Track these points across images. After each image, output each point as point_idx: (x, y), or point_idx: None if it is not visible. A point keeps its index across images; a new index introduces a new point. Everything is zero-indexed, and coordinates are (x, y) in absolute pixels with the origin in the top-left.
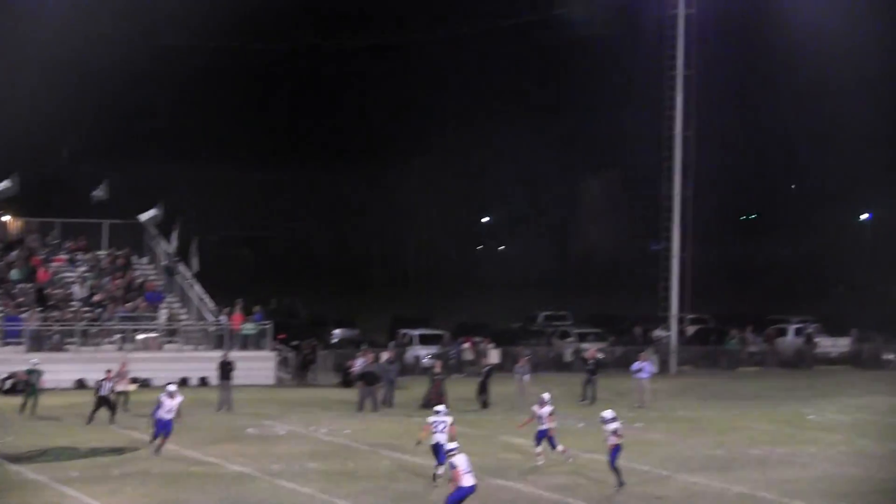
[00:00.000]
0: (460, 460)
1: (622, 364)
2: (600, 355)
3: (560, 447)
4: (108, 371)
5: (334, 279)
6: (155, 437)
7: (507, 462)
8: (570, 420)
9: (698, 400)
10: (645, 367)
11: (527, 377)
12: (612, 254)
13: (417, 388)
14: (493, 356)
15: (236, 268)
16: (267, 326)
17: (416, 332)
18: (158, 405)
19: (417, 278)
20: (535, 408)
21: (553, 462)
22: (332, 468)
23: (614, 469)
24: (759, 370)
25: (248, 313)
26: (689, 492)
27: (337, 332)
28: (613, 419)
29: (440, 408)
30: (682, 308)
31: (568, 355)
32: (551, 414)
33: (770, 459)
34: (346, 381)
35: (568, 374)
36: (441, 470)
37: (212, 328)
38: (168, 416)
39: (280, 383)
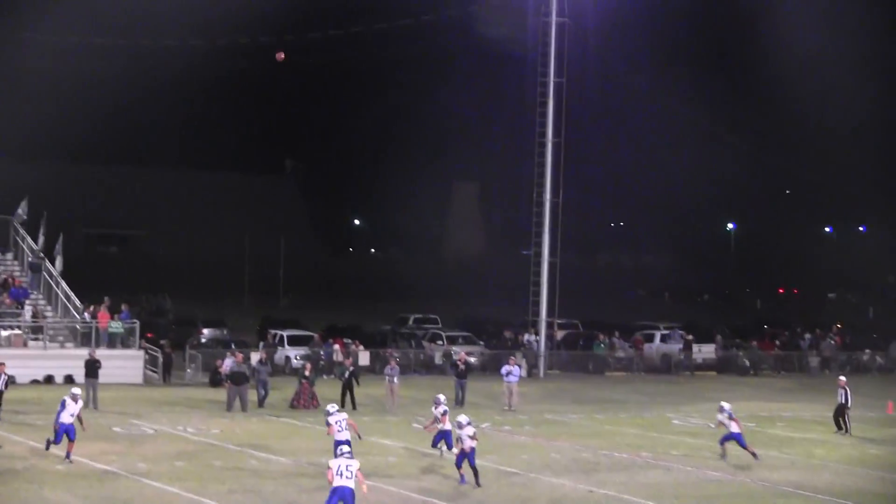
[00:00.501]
0: (334, 463)
1: (491, 368)
2: (471, 359)
3: (455, 449)
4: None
5: (204, 279)
6: (55, 441)
7: (381, 463)
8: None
9: (566, 404)
10: (514, 370)
11: (396, 379)
12: (483, 259)
13: (287, 389)
14: (363, 358)
15: (103, 265)
16: (134, 325)
17: (286, 333)
18: (61, 408)
19: (289, 281)
20: (433, 409)
21: (438, 464)
22: (199, 468)
23: (473, 468)
24: (627, 375)
25: (115, 311)
26: (556, 494)
27: (206, 331)
28: (469, 423)
29: (332, 406)
30: (551, 313)
31: (438, 358)
32: (444, 414)
33: (635, 463)
34: (215, 381)
35: (438, 376)
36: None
37: (78, 326)
38: (70, 421)
39: (148, 382)
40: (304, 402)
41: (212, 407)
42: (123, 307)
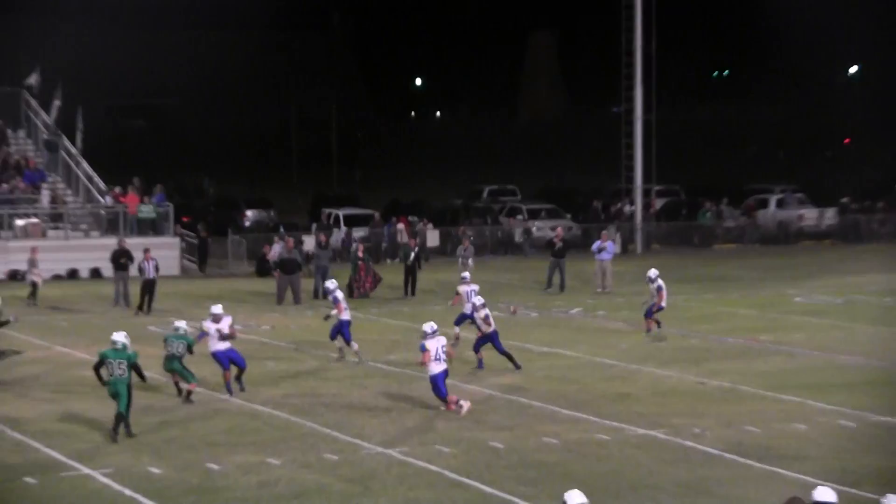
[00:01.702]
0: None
1: (580, 244)
2: (574, 230)
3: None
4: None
5: (246, 155)
6: (226, 369)
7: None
8: (522, 310)
9: (669, 283)
10: (607, 247)
11: (470, 261)
12: (567, 120)
13: (346, 277)
14: (431, 238)
15: (130, 142)
16: (168, 208)
17: (342, 212)
18: (201, 334)
19: (343, 153)
20: (460, 287)
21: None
22: (249, 369)
23: (504, 353)
24: (737, 247)
25: (145, 194)
26: (661, 387)
27: (250, 214)
28: (483, 305)
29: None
30: (647, 179)
31: (518, 235)
32: (480, 300)
33: (751, 349)
34: (263, 270)
35: (518, 257)
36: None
37: (103, 211)
38: (223, 347)
39: (186, 273)
40: (363, 287)
41: (260, 300)
42: (155, 189)
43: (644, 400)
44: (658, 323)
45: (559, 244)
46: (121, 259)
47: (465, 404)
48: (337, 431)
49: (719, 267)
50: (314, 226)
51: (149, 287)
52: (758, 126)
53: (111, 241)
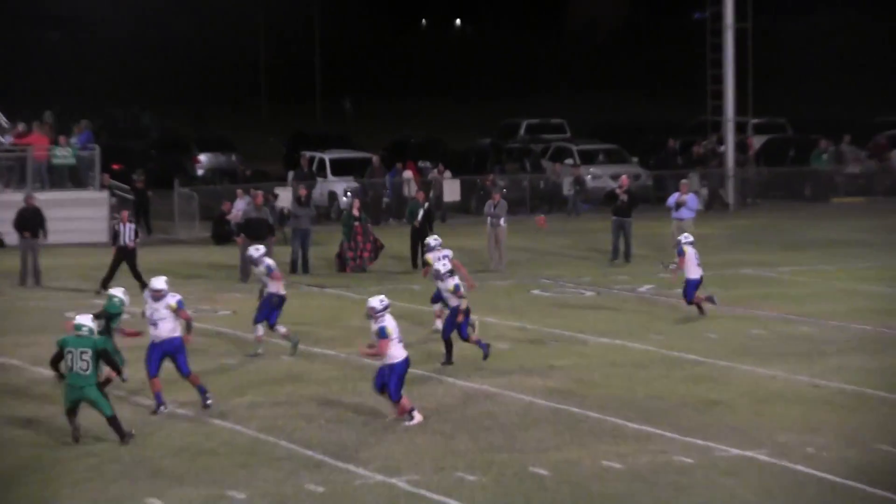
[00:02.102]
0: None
1: (652, 198)
2: (642, 178)
3: (474, 337)
4: None
5: (198, 79)
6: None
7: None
8: (573, 288)
9: (771, 250)
10: (687, 200)
11: (503, 221)
12: (629, 30)
13: (334, 244)
14: (449, 190)
15: (41, 61)
16: (93, 152)
17: (329, 156)
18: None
19: (330, 75)
20: (430, 254)
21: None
22: (202, 369)
23: (464, 337)
24: (865, 201)
25: (62, 132)
26: (761, 391)
27: (203, 158)
28: (450, 273)
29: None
30: (741, 109)
31: (567, 186)
32: (445, 264)
33: (883, 338)
34: (221, 235)
35: (565, 217)
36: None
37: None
38: (171, 334)
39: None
40: (360, 257)
41: (217, 275)
42: (78, 125)
43: (739, 409)
44: (699, 307)
45: (623, 198)
46: (29, 222)
47: (418, 417)
48: (322, 453)
49: (839, 228)
50: (291, 174)
51: (126, 257)
52: (890, 36)
53: (16, 198)
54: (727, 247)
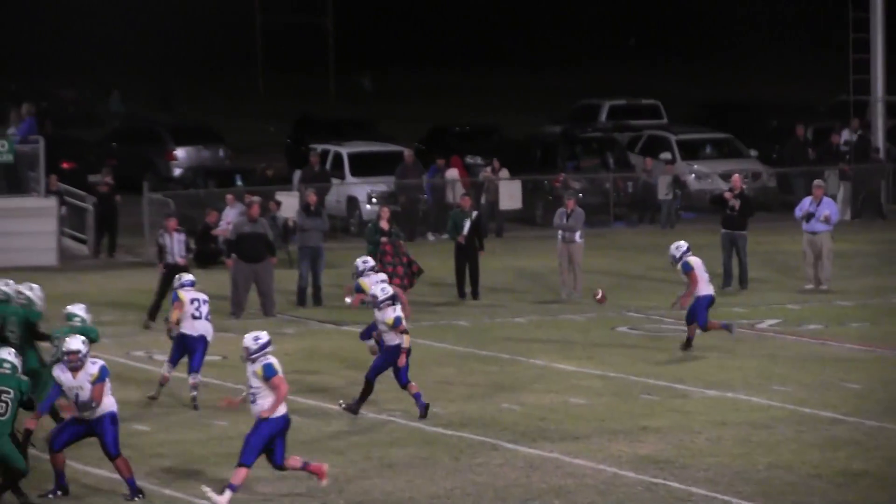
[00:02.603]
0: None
1: (775, 205)
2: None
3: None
4: None
5: (175, 50)
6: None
7: (556, 406)
8: (671, 323)
9: None
10: (825, 208)
11: (578, 236)
12: None
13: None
14: (508, 195)
15: None
16: (36, 145)
17: (347, 150)
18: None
19: (341, 42)
20: (365, 279)
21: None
22: (182, 438)
23: (403, 384)
24: None
25: None
26: None
27: (181, 153)
28: (390, 301)
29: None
30: (893, 86)
31: (663, 188)
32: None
33: None
34: (205, 255)
35: (658, 230)
36: None
37: None
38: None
39: (69, 259)
40: (389, 283)
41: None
42: (16, 111)
43: (891, 482)
44: (728, 327)
45: (734, 204)
46: None
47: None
48: None
49: None
50: (297, 174)
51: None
52: None
53: None
54: (878, 268)
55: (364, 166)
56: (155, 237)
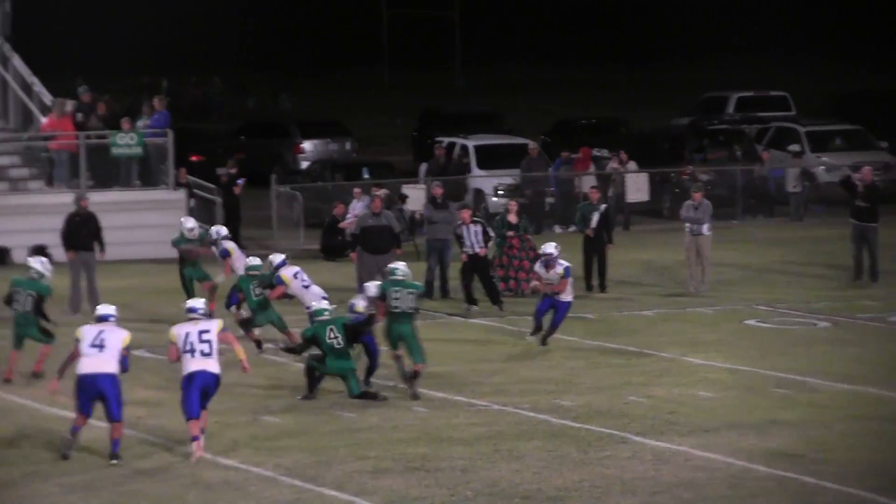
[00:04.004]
0: None
1: None
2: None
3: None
4: None
5: (298, 39)
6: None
7: (685, 401)
8: (801, 316)
9: None
10: None
11: (706, 229)
12: None
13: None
14: (635, 187)
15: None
16: (166, 140)
17: (472, 143)
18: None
19: (468, 31)
20: (285, 271)
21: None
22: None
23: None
24: None
25: (128, 114)
26: None
27: (308, 146)
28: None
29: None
30: None
31: (791, 181)
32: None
33: None
34: (332, 247)
35: (785, 221)
36: None
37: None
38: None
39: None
40: (516, 277)
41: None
42: (148, 104)
43: None
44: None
45: (862, 191)
46: (80, 233)
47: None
48: None
49: None
50: (423, 167)
51: (478, 266)
52: None
53: (62, 199)
54: None
55: (490, 159)
56: (283, 230)
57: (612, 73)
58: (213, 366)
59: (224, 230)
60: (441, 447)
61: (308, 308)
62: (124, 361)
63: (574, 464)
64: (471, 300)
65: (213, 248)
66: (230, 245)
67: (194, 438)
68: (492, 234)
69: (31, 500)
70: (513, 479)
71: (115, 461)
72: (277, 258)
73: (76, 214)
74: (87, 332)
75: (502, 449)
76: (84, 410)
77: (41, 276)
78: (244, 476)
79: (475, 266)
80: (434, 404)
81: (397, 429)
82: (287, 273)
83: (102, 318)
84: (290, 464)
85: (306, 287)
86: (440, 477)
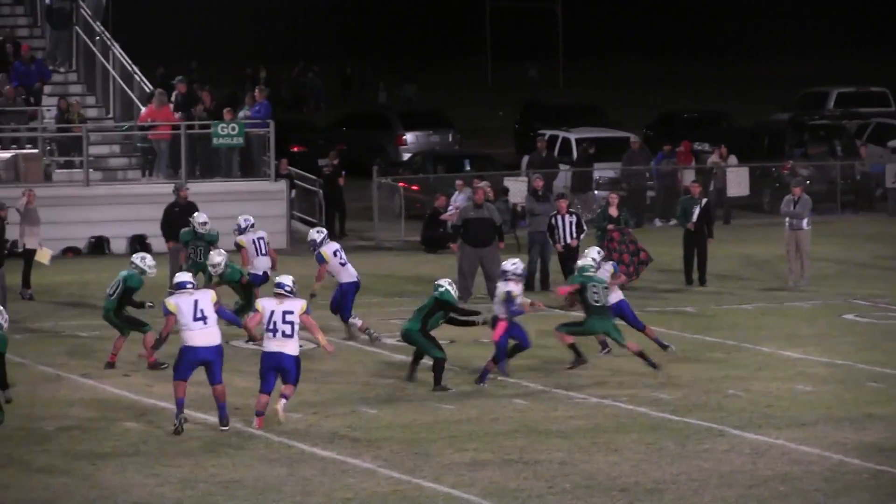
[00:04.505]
0: None
1: None
2: None
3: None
4: None
5: (396, 26)
6: None
7: (785, 397)
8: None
9: None
10: None
11: (806, 223)
12: None
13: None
14: (736, 182)
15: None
16: (267, 130)
17: (575, 135)
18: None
19: (571, 22)
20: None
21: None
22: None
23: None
24: None
25: (232, 104)
26: None
27: (410, 137)
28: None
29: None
30: None
31: (891, 176)
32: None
33: None
34: (433, 239)
35: (889, 216)
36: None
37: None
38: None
39: (300, 243)
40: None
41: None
42: (250, 94)
43: None
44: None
45: None
46: (180, 221)
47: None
48: None
49: None
50: (525, 160)
51: (566, 257)
52: None
53: (162, 189)
54: None
55: (599, 152)
56: (384, 221)
57: (712, 68)
58: (291, 348)
59: (251, 219)
60: (539, 440)
61: (341, 284)
62: (222, 312)
63: (672, 457)
64: None
65: (243, 238)
66: (243, 239)
67: (258, 413)
68: (585, 227)
69: (126, 491)
70: (610, 471)
71: (226, 428)
72: (318, 235)
73: (175, 205)
74: (185, 306)
75: (600, 442)
76: (183, 376)
77: (142, 272)
78: (342, 467)
79: (567, 257)
80: (533, 397)
81: (496, 421)
82: (328, 250)
83: (180, 286)
84: (388, 455)
85: (343, 265)
86: (538, 469)
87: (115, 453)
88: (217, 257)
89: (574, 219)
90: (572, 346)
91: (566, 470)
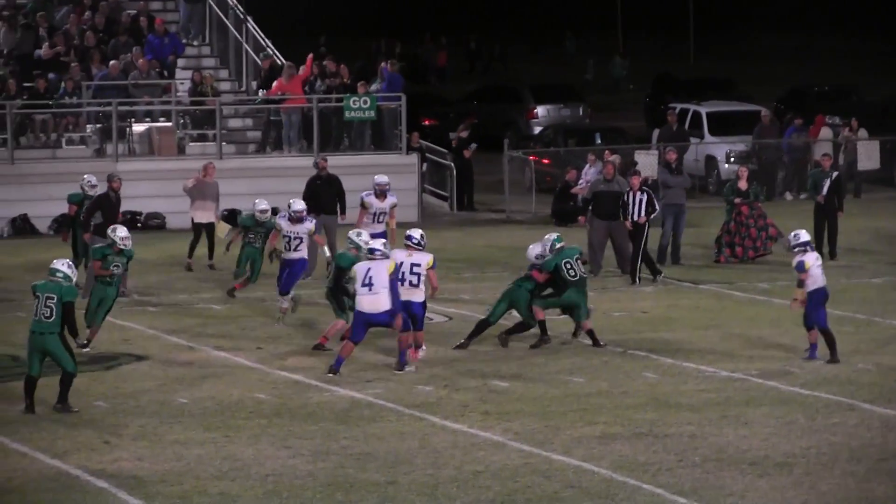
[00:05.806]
0: None
1: None
2: None
3: None
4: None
5: (536, 7)
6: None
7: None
8: None
9: None
10: None
11: None
12: None
13: (712, 225)
14: (866, 155)
15: None
16: (399, 104)
17: (705, 109)
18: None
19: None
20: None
21: None
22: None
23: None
24: None
25: (363, 77)
26: None
27: (541, 111)
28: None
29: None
30: None
31: None
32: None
33: None
34: (564, 212)
35: None
36: None
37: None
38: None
39: (432, 218)
40: (742, 244)
41: None
42: (390, 64)
43: None
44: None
45: None
46: (324, 194)
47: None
48: (696, 502)
49: None
50: (655, 133)
51: (635, 235)
52: None
53: (301, 162)
54: None
55: (722, 125)
56: (515, 195)
57: (842, 42)
58: (418, 295)
59: (301, 204)
60: (669, 413)
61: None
62: (394, 286)
63: (802, 430)
64: (654, 271)
65: (309, 223)
66: (280, 221)
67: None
68: (657, 205)
69: (259, 463)
70: (740, 445)
71: (408, 369)
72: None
73: (317, 177)
74: (359, 271)
75: (730, 415)
76: (356, 338)
77: (358, 248)
78: (472, 440)
79: (635, 234)
80: (663, 370)
81: (626, 394)
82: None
83: (372, 252)
84: (519, 428)
85: None
86: (668, 443)
87: (247, 425)
88: (262, 204)
89: (645, 196)
90: (541, 324)
91: (696, 443)
